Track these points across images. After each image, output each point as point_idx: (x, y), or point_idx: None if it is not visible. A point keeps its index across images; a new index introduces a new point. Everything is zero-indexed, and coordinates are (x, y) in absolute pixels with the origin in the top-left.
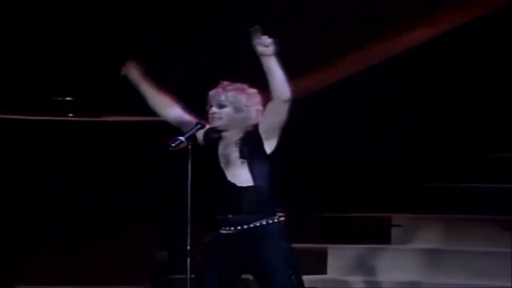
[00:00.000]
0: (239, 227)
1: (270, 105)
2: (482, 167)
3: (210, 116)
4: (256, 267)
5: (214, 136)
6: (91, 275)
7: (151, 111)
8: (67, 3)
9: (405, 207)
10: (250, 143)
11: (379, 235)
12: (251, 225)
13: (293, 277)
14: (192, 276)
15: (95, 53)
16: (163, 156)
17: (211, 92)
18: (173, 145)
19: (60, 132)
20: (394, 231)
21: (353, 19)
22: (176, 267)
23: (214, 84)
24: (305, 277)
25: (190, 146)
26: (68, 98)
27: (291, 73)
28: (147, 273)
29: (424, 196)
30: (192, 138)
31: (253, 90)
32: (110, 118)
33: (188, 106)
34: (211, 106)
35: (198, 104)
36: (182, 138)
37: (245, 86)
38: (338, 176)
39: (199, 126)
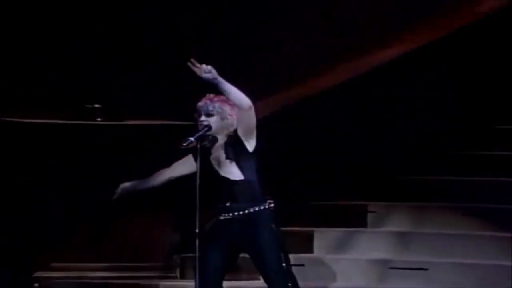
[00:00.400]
0: (235, 213)
1: (239, 115)
2: (444, 162)
3: (199, 123)
4: (251, 247)
5: (207, 144)
6: (117, 254)
7: (165, 117)
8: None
9: (379, 197)
10: (233, 145)
11: (357, 220)
12: (246, 211)
13: (281, 254)
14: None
15: (120, 68)
16: (176, 155)
17: (200, 103)
18: (184, 144)
19: (92, 133)
20: (370, 216)
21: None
22: (187, 247)
23: (201, 96)
24: (294, 255)
25: (198, 146)
26: (96, 105)
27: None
28: (165, 252)
29: (394, 187)
30: (201, 138)
31: (227, 100)
32: (133, 122)
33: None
34: (199, 115)
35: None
36: (192, 138)
37: (220, 96)
38: (325, 170)
39: (206, 128)
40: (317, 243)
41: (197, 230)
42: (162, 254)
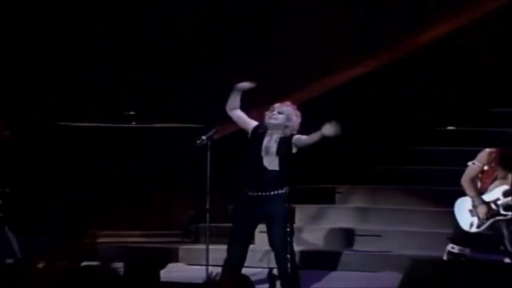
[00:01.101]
0: (262, 193)
1: (304, 138)
2: (393, 155)
3: (269, 115)
4: (267, 219)
5: (260, 131)
6: (148, 223)
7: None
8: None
9: (344, 181)
10: (285, 144)
11: (328, 198)
12: (270, 193)
13: (288, 228)
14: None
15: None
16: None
17: (277, 104)
18: (198, 142)
19: (132, 133)
20: (338, 196)
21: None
22: (200, 219)
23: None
24: None
25: (209, 143)
26: (132, 112)
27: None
28: (184, 222)
29: (356, 174)
30: (210, 137)
31: (298, 112)
32: (160, 125)
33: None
34: (273, 111)
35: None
36: (204, 137)
37: (295, 106)
38: (304, 162)
39: (214, 130)
40: (298, 216)
41: (207, 206)
42: (181, 224)
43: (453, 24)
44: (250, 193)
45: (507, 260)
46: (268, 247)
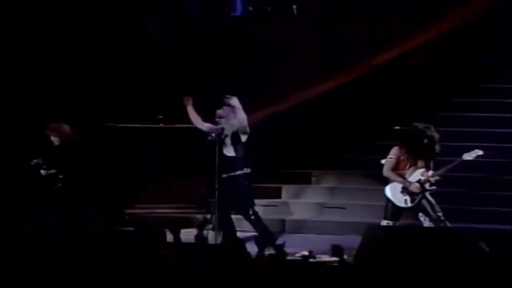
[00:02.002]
0: (229, 174)
1: (238, 123)
2: (354, 147)
3: (218, 121)
4: (235, 192)
5: (220, 133)
6: (173, 198)
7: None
8: None
9: (318, 167)
10: (235, 136)
11: (306, 180)
12: (233, 174)
13: (249, 199)
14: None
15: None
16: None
17: (219, 110)
18: (209, 138)
19: (160, 132)
20: (313, 178)
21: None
22: (211, 195)
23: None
24: (271, 200)
25: (217, 139)
26: (160, 116)
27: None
28: (200, 198)
29: (327, 161)
30: (217, 135)
31: (236, 110)
32: (180, 125)
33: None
34: (217, 116)
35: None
36: (214, 135)
37: (231, 108)
38: (288, 153)
39: (220, 129)
40: (283, 193)
41: (216, 186)
42: (198, 199)
43: (399, 50)
44: (223, 176)
45: (426, 224)
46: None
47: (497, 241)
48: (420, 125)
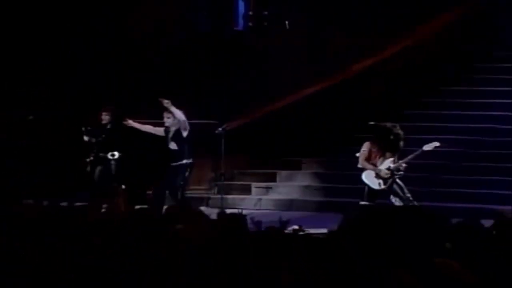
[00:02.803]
0: (173, 164)
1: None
2: (344, 140)
3: (165, 120)
4: (174, 175)
5: (166, 129)
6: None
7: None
8: None
9: (306, 156)
10: (177, 133)
11: (296, 166)
12: (176, 163)
13: (181, 183)
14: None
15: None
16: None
17: (165, 112)
18: (217, 131)
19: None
20: (303, 165)
21: None
22: (217, 179)
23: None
24: (267, 183)
25: (223, 132)
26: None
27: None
28: (209, 181)
29: (314, 151)
30: (224, 129)
31: (178, 112)
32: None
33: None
34: (164, 117)
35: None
36: (220, 129)
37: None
38: (282, 146)
39: (225, 125)
40: (278, 177)
41: (222, 171)
42: (208, 182)
43: (375, 59)
44: (171, 164)
45: (396, 203)
46: (258, 196)
47: (454, 216)
48: (388, 124)
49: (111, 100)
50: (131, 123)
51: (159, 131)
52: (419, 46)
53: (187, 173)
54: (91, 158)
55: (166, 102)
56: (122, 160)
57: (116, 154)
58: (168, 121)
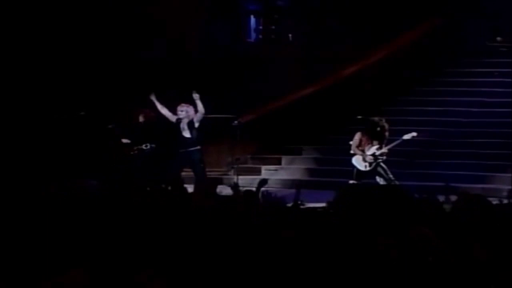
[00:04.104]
0: (185, 150)
1: (197, 115)
2: (339, 129)
3: (178, 112)
4: (191, 163)
5: (179, 120)
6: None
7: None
8: None
9: (307, 143)
10: (190, 123)
11: (298, 152)
12: (188, 149)
13: (201, 167)
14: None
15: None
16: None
17: (179, 106)
18: (233, 124)
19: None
20: (303, 151)
21: None
22: (234, 163)
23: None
24: (275, 166)
25: (239, 124)
26: None
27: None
28: (227, 163)
29: (314, 140)
30: (239, 122)
31: (191, 106)
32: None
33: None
34: (178, 110)
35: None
36: (236, 122)
37: (188, 105)
38: (286, 135)
39: (240, 118)
40: (283, 161)
41: (236, 157)
42: (225, 165)
43: (358, 66)
44: (180, 150)
45: (381, 183)
46: (267, 177)
47: (429, 193)
48: (376, 119)
49: (142, 100)
50: (154, 100)
51: (171, 117)
52: (395, 55)
53: (200, 157)
54: (135, 151)
55: (196, 96)
56: (154, 150)
57: (149, 145)
58: (181, 114)
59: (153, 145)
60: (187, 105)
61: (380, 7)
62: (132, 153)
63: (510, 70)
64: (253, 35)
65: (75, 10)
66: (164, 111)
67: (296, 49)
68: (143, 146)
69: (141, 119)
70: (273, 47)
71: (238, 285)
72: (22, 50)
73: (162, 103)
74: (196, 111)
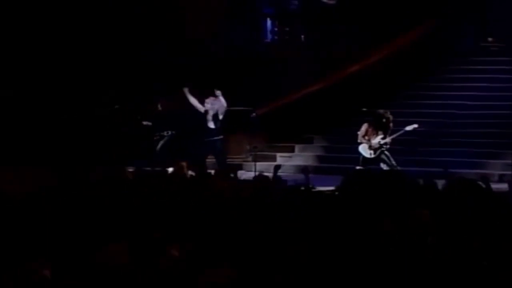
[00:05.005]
0: (210, 139)
1: (221, 108)
2: (346, 121)
3: (206, 104)
4: (214, 151)
5: (205, 110)
6: (229, 151)
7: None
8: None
9: (318, 133)
10: (215, 115)
11: (310, 141)
12: (212, 139)
13: (224, 155)
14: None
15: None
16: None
17: (207, 99)
18: (251, 115)
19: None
20: (314, 140)
21: None
22: (252, 150)
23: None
24: (287, 153)
25: (256, 116)
26: None
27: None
28: (246, 151)
29: (323, 130)
30: (257, 114)
31: (217, 99)
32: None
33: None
34: (206, 103)
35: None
36: (254, 114)
37: (215, 98)
38: (299, 127)
39: (257, 112)
40: (296, 149)
41: (254, 146)
42: (244, 152)
43: (362, 64)
44: (206, 139)
45: (384, 168)
46: (281, 163)
47: (429, 178)
48: (381, 111)
49: (169, 94)
50: (186, 92)
51: (199, 107)
52: (395, 54)
53: (223, 145)
54: (157, 136)
55: (218, 92)
56: (175, 136)
57: (170, 132)
58: (207, 106)
59: (173, 132)
60: (213, 98)
61: (381, 11)
62: (155, 138)
63: (499, 67)
64: (269, 36)
65: (108, 16)
66: (195, 103)
67: (307, 49)
68: (164, 133)
69: (159, 107)
70: (287, 47)
71: (252, 258)
72: (64, 49)
73: (194, 95)
74: (221, 105)
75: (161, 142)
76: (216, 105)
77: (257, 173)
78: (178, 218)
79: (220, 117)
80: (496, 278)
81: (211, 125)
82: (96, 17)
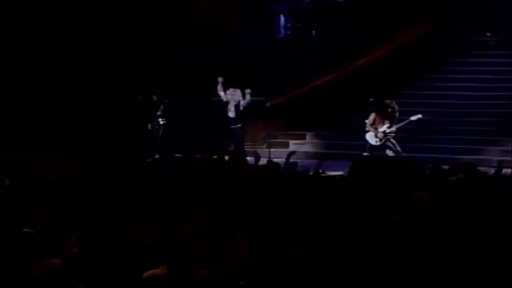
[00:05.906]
0: (231, 127)
1: (242, 103)
2: (351, 113)
3: (228, 94)
4: (233, 138)
5: (227, 100)
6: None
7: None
8: None
9: (328, 122)
10: (237, 106)
11: (320, 129)
12: (232, 126)
13: (242, 139)
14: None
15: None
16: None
17: (228, 90)
18: (266, 105)
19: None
20: (324, 127)
21: None
22: (268, 137)
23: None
24: (300, 140)
25: (270, 106)
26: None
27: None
28: (262, 138)
29: (328, 124)
30: (270, 103)
31: (239, 90)
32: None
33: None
34: (227, 93)
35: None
36: (268, 104)
37: (237, 89)
38: (310, 120)
39: (269, 104)
40: (307, 136)
41: (269, 132)
42: (261, 139)
43: (369, 58)
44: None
45: (390, 155)
46: (294, 149)
47: (432, 164)
48: (387, 101)
49: (192, 87)
50: (220, 82)
51: (223, 97)
52: (398, 50)
53: (241, 133)
54: (156, 125)
55: (248, 91)
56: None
57: (164, 120)
58: (228, 97)
59: (165, 120)
60: (234, 89)
61: (385, 10)
62: (156, 126)
63: (497, 60)
64: (282, 31)
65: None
66: (221, 93)
67: (317, 44)
68: (160, 121)
69: (154, 98)
70: (299, 42)
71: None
72: (95, 47)
73: (223, 86)
74: (242, 94)
75: (161, 130)
76: (237, 95)
77: (269, 159)
78: (202, 197)
79: (241, 108)
80: (496, 278)
81: (231, 114)
82: (96, 17)
